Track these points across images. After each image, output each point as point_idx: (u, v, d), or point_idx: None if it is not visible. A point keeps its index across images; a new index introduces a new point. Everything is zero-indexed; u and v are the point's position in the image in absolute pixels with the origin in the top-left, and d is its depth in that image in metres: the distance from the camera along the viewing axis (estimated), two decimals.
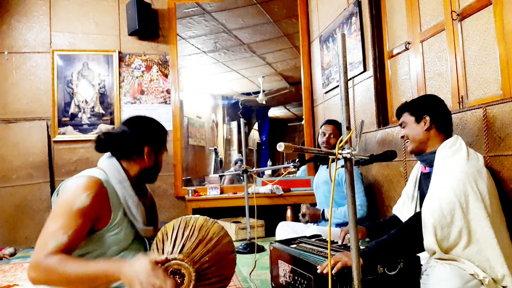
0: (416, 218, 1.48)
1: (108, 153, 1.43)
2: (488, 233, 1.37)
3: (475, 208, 1.39)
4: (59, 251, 1.18)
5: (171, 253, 1.25)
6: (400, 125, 1.77)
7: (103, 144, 1.42)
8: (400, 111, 1.78)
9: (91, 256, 1.31)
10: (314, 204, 2.87)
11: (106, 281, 1.16)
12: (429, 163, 1.65)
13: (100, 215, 1.30)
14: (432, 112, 1.66)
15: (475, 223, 1.39)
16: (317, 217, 2.61)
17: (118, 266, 1.16)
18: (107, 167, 1.38)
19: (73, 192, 1.26)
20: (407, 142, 1.74)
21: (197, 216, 1.41)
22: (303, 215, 2.66)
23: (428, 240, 1.41)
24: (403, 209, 1.85)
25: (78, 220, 1.22)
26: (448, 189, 1.43)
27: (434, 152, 1.61)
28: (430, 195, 1.50)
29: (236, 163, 5.31)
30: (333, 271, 1.38)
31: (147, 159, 1.44)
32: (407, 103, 1.77)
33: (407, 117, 1.72)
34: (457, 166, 1.48)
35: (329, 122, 2.75)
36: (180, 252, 1.25)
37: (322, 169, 2.85)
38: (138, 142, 1.43)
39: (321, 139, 2.73)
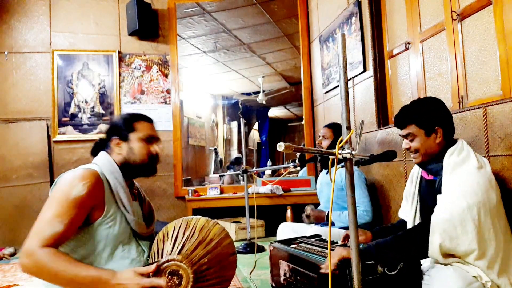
0: (425, 225, 1.44)
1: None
2: (493, 245, 1.35)
3: (486, 220, 1.36)
4: (54, 240, 1.19)
5: (170, 253, 1.25)
6: (405, 136, 1.61)
7: (96, 147, 1.52)
8: (403, 121, 1.60)
9: (81, 252, 1.30)
10: (316, 205, 2.86)
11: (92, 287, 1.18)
12: (435, 172, 1.58)
13: (96, 206, 1.31)
14: (444, 122, 1.54)
15: (486, 235, 1.36)
16: (322, 219, 2.60)
17: (108, 274, 1.18)
18: (101, 161, 1.42)
19: (69, 182, 1.28)
20: (414, 154, 1.60)
21: (198, 217, 1.41)
22: (307, 216, 2.65)
23: (434, 249, 1.38)
24: (407, 212, 1.79)
25: (74, 210, 1.24)
26: (461, 200, 1.38)
27: (440, 161, 1.53)
28: (441, 204, 1.44)
29: (232, 163, 5.34)
30: (332, 267, 1.38)
31: (117, 150, 1.45)
32: (411, 112, 1.59)
33: (414, 129, 1.56)
34: (468, 176, 1.42)
35: (325, 125, 2.79)
36: (179, 252, 1.25)
37: (323, 173, 2.85)
38: (108, 135, 1.49)
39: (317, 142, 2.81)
